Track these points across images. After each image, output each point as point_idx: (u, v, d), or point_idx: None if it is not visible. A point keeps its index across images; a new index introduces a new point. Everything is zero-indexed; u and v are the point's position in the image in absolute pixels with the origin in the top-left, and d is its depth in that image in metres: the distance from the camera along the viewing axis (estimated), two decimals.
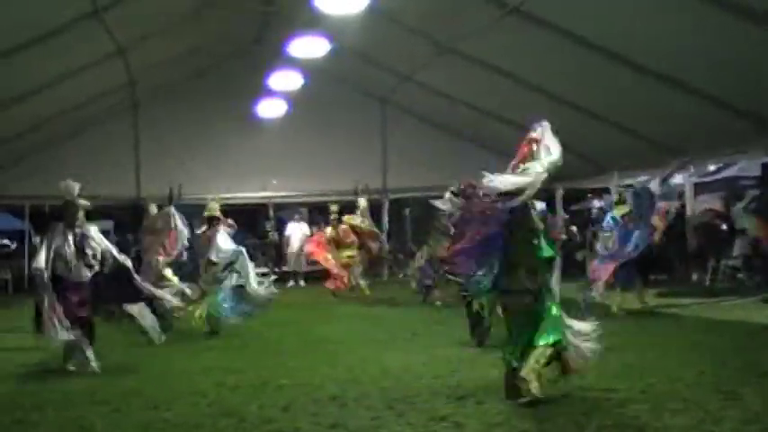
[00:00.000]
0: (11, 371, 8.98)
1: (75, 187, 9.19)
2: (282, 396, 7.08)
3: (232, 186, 22.78)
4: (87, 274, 8.93)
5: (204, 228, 12.67)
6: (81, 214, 9.09)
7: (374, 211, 22.25)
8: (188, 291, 11.51)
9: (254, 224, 27.03)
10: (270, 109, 21.51)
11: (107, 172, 21.70)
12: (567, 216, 24.75)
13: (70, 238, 8.86)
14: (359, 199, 18.41)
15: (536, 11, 14.34)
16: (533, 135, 6.86)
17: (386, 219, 23.72)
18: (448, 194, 10.57)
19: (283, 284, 19.05)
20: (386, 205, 23.80)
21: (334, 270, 17.57)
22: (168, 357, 9.37)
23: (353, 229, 17.70)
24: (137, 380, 8.10)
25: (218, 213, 12.62)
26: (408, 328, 11.65)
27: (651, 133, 16.90)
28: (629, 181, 19.75)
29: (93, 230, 9.18)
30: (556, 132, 6.72)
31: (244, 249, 12.26)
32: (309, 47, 16.54)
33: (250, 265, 12.08)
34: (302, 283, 22.16)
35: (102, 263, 9.05)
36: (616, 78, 15.07)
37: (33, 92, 16.60)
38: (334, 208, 18.41)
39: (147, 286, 9.42)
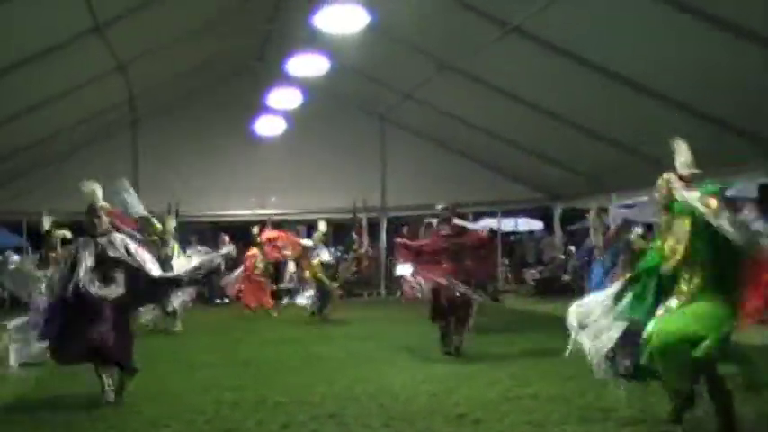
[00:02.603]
0: (9, 389, 8.94)
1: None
2: (281, 413, 7.07)
3: (231, 203, 22.85)
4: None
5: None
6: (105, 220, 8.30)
7: (373, 229, 22.38)
8: None
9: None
10: (269, 126, 21.52)
11: (106, 188, 21.66)
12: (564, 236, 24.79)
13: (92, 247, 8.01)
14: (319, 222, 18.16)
15: (536, 30, 14.39)
16: None
17: (384, 236, 23.78)
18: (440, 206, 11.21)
19: (280, 302, 18.95)
20: (384, 222, 23.87)
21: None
22: (166, 375, 9.36)
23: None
24: (135, 397, 8.05)
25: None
26: (406, 346, 11.63)
27: (651, 152, 16.89)
28: (628, 201, 19.80)
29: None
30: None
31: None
32: (309, 65, 16.57)
33: None
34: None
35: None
36: (615, 97, 15.12)
37: (33, 108, 16.61)
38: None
39: None
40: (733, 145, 14.65)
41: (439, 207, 11.55)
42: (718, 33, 11.96)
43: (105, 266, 7.88)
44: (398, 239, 12.41)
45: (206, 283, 9.03)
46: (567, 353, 6.40)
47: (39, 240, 23.29)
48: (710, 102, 14.03)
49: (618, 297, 6.23)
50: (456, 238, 11.07)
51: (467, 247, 11.03)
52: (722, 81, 13.22)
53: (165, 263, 8.95)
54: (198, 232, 23.76)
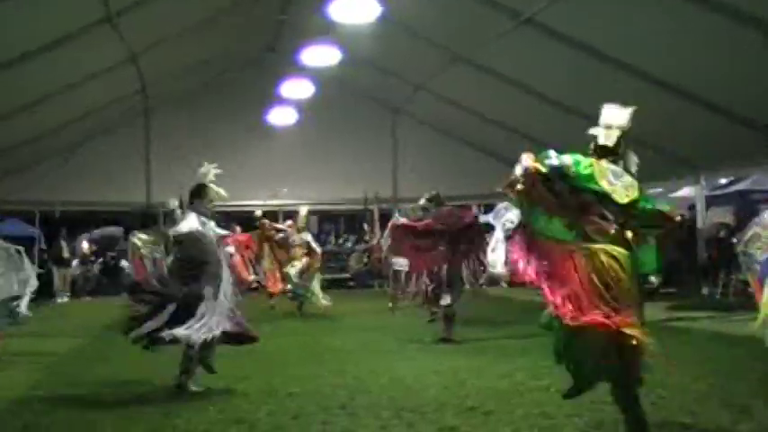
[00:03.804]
0: (21, 375, 8.99)
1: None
2: (292, 404, 7.07)
3: (242, 193, 22.85)
4: None
5: None
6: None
7: (384, 220, 22.35)
8: None
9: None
10: (281, 117, 21.57)
11: (118, 178, 21.81)
12: None
13: None
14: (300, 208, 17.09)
15: (549, 22, 14.37)
16: None
17: None
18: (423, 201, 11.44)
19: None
20: (396, 214, 23.85)
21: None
22: (178, 363, 9.36)
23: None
24: (147, 386, 8.10)
25: None
26: (417, 337, 11.63)
27: (663, 145, 16.86)
28: None
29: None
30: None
31: None
32: (322, 56, 16.59)
33: None
34: None
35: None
36: (628, 90, 15.01)
37: (46, 98, 16.67)
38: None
39: None
40: (749, 137, 14.61)
41: (425, 198, 12.07)
42: (734, 26, 11.92)
43: None
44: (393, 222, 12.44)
45: None
46: None
47: (51, 230, 23.61)
48: (726, 95, 14.01)
49: None
50: (449, 218, 11.53)
51: (459, 228, 11.25)
52: (738, 74, 13.24)
53: None
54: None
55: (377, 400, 7.19)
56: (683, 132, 15.80)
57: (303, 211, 16.72)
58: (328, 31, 15.70)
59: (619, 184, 5.53)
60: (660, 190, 19.76)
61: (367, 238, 24.20)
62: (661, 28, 13.04)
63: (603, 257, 5.25)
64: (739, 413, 6.29)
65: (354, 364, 9.39)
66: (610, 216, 5.43)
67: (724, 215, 19.17)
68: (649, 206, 5.72)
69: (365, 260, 24.50)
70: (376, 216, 21.18)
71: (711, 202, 19.31)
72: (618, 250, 5.30)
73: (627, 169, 5.77)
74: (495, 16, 15.02)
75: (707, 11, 11.95)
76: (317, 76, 18.68)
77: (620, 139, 5.88)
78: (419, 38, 17.70)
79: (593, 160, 5.60)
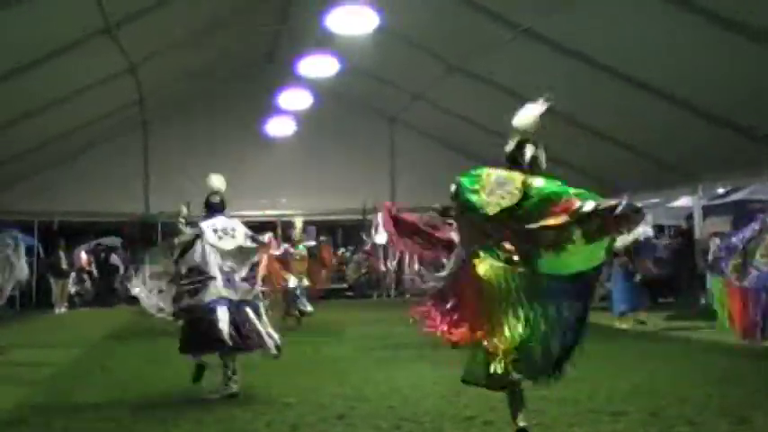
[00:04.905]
0: (19, 386, 8.97)
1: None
2: (290, 414, 7.05)
3: (240, 204, 22.84)
4: None
5: None
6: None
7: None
8: None
9: None
10: (279, 127, 21.57)
11: (116, 188, 21.80)
12: None
13: None
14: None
15: (546, 31, 14.40)
16: None
17: None
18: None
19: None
20: None
21: None
22: (176, 373, 9.34)
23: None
24: (144, 395, 8.09)
25: None
26: (416, 347, 11.60)
27: (661, 155, 16.90)
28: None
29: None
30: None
31: None
32: (319, 66, 16.60)
33: None
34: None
35: None
36: (626, 99, 15.09)
37: (44, 108, 16.67)
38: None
39: None
40: (747, 147, 14.64)
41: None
42: (732, 35, 11.95)
43: None
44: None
45: None
46: None
47: (49, 241, 23.56)
48: (724, 104, 14.03)
49: None
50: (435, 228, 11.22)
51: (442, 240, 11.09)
52: (736, 84, 13.27)
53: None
54: None
55: (375, 410, 7.18)
56: (681, 142, 15.81)
57: (299, 222, 16.27)
58: (326, 41, 15.72)
59: (496, 195, 5.19)
60: (658, 200, 19.80)
61: (366, 248, 24.19)
62: (659, 38, 13.07)
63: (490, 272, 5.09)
64: (738, 422, 6.28)
65: (353, 373, 9.38)
66: (496, 235, 5.14)
67: (722, 225, 19.18)
68: (536, 200, 5.15)
69: (363, 270, 24.51)
70: (374, 225, 21.13)
71: (709, 211, 19.30)
72: (495, 267, 5.09)
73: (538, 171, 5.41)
74: (492, 26, 15.05)
75: (705, 21, 11.98)
76: (314, 86, 18.70)
77: (520, 143, 5.59)
78: (417, 48, 17.73)
79: (482, 173, 5.40)
